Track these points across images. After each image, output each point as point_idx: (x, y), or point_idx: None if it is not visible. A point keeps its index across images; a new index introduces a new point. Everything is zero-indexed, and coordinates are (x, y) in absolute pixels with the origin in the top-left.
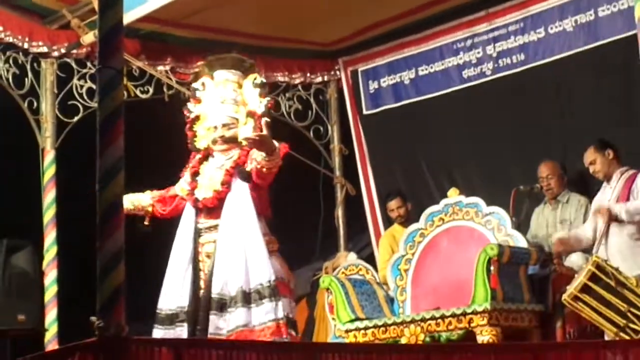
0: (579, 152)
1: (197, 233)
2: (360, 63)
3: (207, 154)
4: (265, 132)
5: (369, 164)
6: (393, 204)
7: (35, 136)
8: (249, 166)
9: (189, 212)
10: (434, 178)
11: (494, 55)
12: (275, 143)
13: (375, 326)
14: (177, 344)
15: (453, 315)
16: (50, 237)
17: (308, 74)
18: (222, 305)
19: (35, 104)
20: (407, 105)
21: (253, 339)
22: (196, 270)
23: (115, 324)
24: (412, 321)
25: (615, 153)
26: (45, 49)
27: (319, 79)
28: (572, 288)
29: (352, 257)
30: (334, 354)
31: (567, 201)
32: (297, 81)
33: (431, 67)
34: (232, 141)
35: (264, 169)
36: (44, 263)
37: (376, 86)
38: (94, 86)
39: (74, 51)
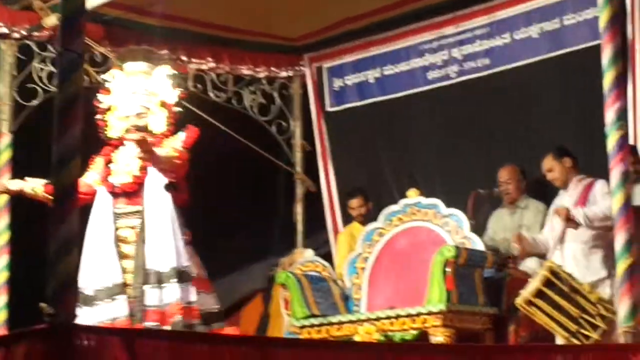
0: (539, 159)
1: (114, 218)
2: (326, 60)
3: (119, 143)
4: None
5: (330, 161)
6: (354, 202)
7: None
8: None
9: (104, 198)
10: (394, 178)
11: (460, 58)
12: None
13: (329, 323)
14: (129, 333)
15: (407, 315)
16: (2, 222)
17: (273, 68)
18: (159, 281)
19: None
20: (371, 104)
21: (174, 315)
22: (118, 251)
23: (65, 311)
24: (367, 320)
25: (573, 161)
26: (5, 30)
27: (284, 74)
28: (526, 292)
29: (310, 253)
30: (286, 349)
31: (525, 207)
32: (261, 75)
33: (397, 67)
34: (144, 130)
35: (162, 172)
36: None
37: (341, 83)
38: (54, 70)
39: (35, 33)
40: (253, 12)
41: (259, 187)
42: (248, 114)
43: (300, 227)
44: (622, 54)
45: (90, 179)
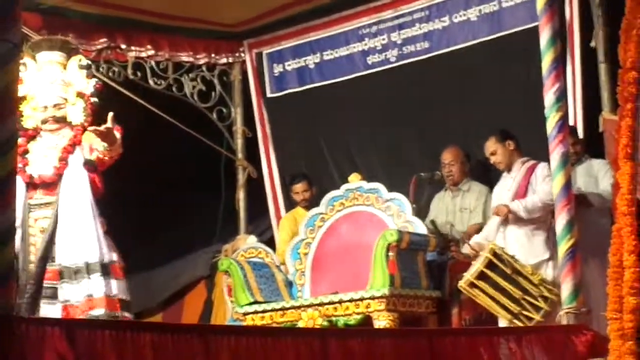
0: (480, 142)
1: (28, 209)
2: (266, 46)
3: (34, 133)
4: (109, 124)
5: (271, 147)
6: (299, 187)
7: None
8: (91, 155)
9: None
10: (336, 163)
11: (399, 42)
12: (117, 134)
13: (273, 309)
14: (70, 324)
15: (351, 300)
16: None
17: (213, 55)
18: (71, 275)
19: None
20: (312, 90)
21: (92, 308)
22: (26, 244)
23: (4, 302)
24: (310, 305)
25: (516, 144)
26: None
27: (224, 60)
28: (468, 274)
29: (252, 240)
30: (230, 337)
31: (468, 190)
32: (201, 62)
33: (336, 52)
34: (62, 121)
35: (106, 158)
36: None
37: (281, 69)
38: None
39: None
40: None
41: (200, 174)
42: (188, 101)
43: (242, 213)
44: (560, 36)
45: None
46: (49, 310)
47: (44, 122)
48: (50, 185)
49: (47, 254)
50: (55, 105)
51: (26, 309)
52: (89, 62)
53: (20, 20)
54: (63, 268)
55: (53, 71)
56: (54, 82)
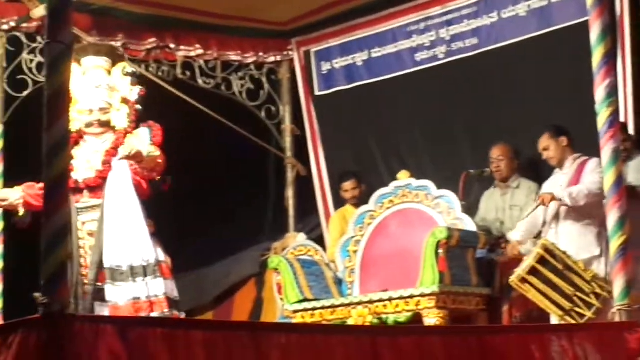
0: (529, 138)
1: (76, 213)
2: (313, 44)
3: (78, 137)
4: (135, 149)
5: (320, 145)
6: (348, 185)
7: None
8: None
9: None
10: (384, 160)
11: (447, 38)
12: (144, 149)
13: (323, 307)
14: (123, 322)
15: (401, 298)
16: None
17: (261, 54)
18: (116, 276)
19: None
20: (360, 87)
21: (139, 311)
22: (75, 247)
23: (59, 300)
24: (360, 303)
25: (569, 140)
26: None
27: (272, 59)
28: (520, 270)
29: (302, 237)
30: (281, 334)
31: (517, 187)
32: (249, 60)
33: (384, 50)
34: (106, 125)
35: (145, 172)
36: None
37: (329, 67)
38: (44, 61)
39: (24, 25)
40: None
41: (250, 172)
42: (237, 100)
43: (291, 211)
44: (611, 30)
45: None
46: (99, 312)
47: (89, 125)
48: (95, 188)
49: (100, 258)
50: (101, 109)
51: (84, 310)
52: (134, 70)
53: (72, 22)
54: (111, 270)
55: (99, 76)
56: (100, 87)
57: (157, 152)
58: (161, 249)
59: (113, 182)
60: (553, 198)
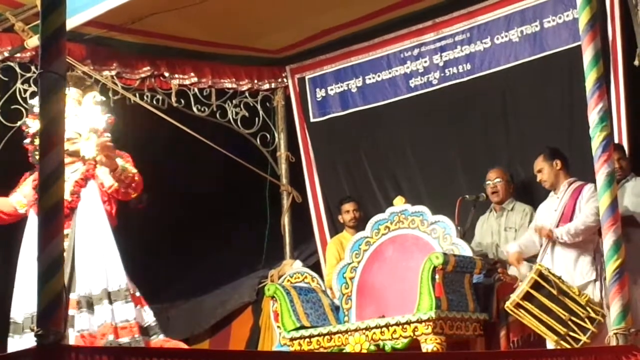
0: (524, 163)
1: None
2: (308, 70)
3: None
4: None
5: (315, 171)
6: (350, 205)
7: None
8: (104, 189)
9: (34, 222)
10: (380, 186)
11: (441, 64)
12: (119, 161)
13: (320, 334)
14: (118, 352)
15: (398, 324)
16: None
17: (255, 81)
18: (90, 304)
19: None
20: (354, 114)
21: (104, 336)
22: None
23: (54, 331)
24: (357, 329)
25: (564, 164)
26: None
27: (266, 86)
28: (515, 295)
29: (298, 264)
30: None
31: (512, 209)
32: (244, 88)
33: (378, 76)
34: (75, 155)
35: (122, 189)
36: None
37: (323, 94)
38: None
39: (18, 55)
40: (233, 27)
41: (245, 200)
42: (232, 128)
43: (288, 238)
44: (604, 55)
45: (14, 199)
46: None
47: None
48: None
49: (69, 285)
50: (68, 140)
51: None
52: (103, 98)
53: (65, 52)
54: (80, 298)
55: (68, 106)
56: (68, 117)
57: (134, 170)
58: (129, 277)
59: (83, 212)
60: (550, 235)
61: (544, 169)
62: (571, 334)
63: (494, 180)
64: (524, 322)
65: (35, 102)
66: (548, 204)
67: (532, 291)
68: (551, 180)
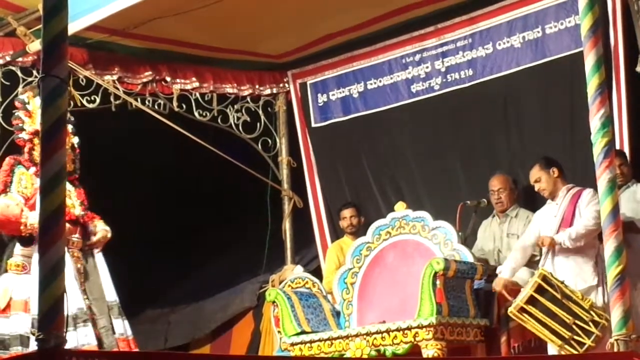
0: (525, 168)
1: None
2: (310, 76)
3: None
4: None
5: (317, 176)
6: (347, 212)
7: None
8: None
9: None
10: (381, 192)
11: (443, 70)
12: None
13: (320, 339)
14: (117, 357)
15: (399, 329)
16: None
17: (257, 86)
18: (78, 321)
19: None
20: (356, 119)
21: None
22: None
23: (55, 335)
24: (358, 335)
25: (560, 171)
26: None
27: (268, 91)
28: (518, 300)
29: (299, 270)
30: None
31: (515, 216)
32: (245, 93)
33: (380, 81)
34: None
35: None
36: None
37: (325, 99)
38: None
39: (20, 59)
40: (235, 31)
41: (247, 205)
42: (234, 133)
43: (289, 243)
44: (605, 61)
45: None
46: None
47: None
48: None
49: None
50: None
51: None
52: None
53: (67, 56)
54: (74, 315)
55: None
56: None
57: (107, 234)
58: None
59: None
60: (552, 243)
61: (541, 178)
62: (576, 337)
63: (497, 189)
64: (528, 327)
65: (24, 97)
66: (546, 211)
67: (536, 295)
68: (550, 189)
